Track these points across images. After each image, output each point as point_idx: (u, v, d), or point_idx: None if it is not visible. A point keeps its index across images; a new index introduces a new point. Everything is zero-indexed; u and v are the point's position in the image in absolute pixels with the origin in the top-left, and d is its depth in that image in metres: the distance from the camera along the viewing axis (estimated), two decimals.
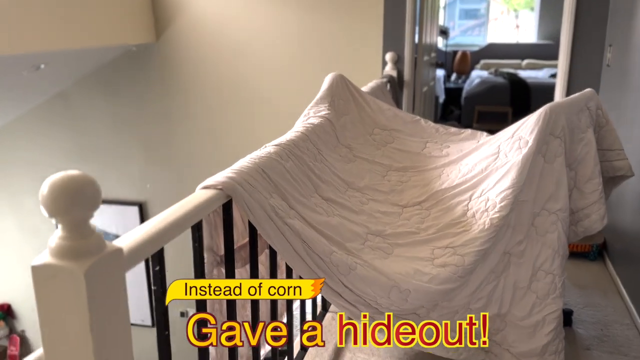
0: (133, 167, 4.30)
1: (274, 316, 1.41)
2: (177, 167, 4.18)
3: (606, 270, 2.74)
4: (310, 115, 1.87)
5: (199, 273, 1.09)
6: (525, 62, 7.50)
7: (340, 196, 1.63)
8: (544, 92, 5.61)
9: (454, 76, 7.68)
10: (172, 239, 0.93)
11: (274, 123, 3.52)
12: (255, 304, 1.30)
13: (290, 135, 1.61)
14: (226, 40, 3.82)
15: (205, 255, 1.17)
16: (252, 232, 1.27)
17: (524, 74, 6.72)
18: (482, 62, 7.70)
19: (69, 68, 3.94)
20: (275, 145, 1.47)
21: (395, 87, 3.21)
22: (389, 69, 3.35)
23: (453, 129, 2.03)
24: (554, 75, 6.35)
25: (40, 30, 3.04)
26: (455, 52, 7.76)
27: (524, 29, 8.57)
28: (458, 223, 1.61)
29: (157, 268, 0.91)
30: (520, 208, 1.66)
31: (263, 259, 1.52)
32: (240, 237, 1.38)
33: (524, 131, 1.69)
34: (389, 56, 3.35)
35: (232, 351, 1.22)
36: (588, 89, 1.87)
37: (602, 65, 3.14)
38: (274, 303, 1.42)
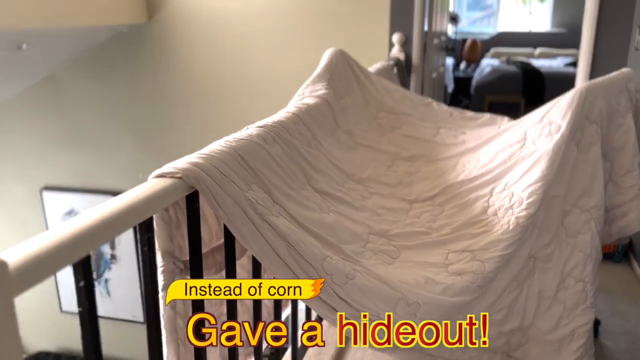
0: (124, 155, 4.10)
1: (257, 317, 1.21)
2: (170, 155, 3.81)
3: (633, 273, 2.51)
4: (305, 95, 1.62)
5: (150, 284, 0.84)
6: (538, 50, 7.20)
7: (337, 189, 1.39)
8: (559, 82, 5.37)
9: (463, 65, 7.38)
10: (104, 243, 0.69)
11: (273, 108, 3.26)
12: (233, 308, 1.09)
13: (279, 115, 1.36)
14: (223, 21, 3.58)
15: (163, 262, 0.93)
16: (229, 231, 1.03)
17: (537, 62, 6.43)
18: (493, 50, 7.39)
19: (55, 50, 3.70)
20: (260, 126, 1.22)
21: (402, 71, 2.95)
22: (396, 51, 3.09)
23: (470, 113, 1.78)
24: (569, 64, 6.10)
25: (19, 5, 2.79)
26: (464, 40, 7.45)
27: (536, 16, 8.24)
28: (477, 222, 1.37)
29: (82, 284, 0.67)
30: (549, 205, 1.44)
31: (245, 262, 1.28)
32: (215, 238, 1.14)
33: (555, 114, 1.45)
34: (396, 37, 3.09)
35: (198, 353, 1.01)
36: (626, 68, 1.67)
37: (628, 48, 2.88)
38: (257, 308, 1.21)
